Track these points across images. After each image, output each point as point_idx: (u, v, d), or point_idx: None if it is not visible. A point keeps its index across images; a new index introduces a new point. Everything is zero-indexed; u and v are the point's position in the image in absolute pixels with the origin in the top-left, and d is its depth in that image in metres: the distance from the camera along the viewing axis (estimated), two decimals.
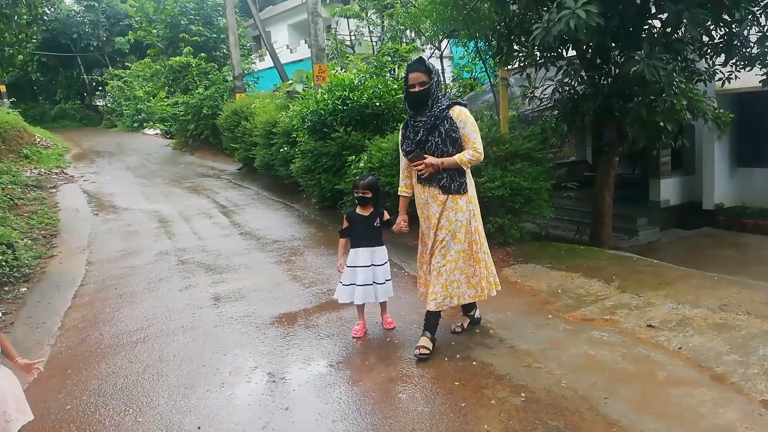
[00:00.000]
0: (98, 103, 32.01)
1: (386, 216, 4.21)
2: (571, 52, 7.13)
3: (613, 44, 6.35)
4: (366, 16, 18.17)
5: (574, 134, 11.47)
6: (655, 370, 3.42)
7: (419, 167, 3.69)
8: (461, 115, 3.70)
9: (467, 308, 4.21)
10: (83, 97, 32.57)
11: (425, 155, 3.68)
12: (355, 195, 4.18)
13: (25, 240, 7.33)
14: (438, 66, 15.17)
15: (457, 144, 3.70)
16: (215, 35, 21.65)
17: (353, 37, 20.15)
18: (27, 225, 8.32)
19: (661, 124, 6.11)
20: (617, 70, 6.48)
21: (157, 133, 22.51)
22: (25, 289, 5.88)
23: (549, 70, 7.13)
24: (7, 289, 5.73)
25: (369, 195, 4.09)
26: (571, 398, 3.17)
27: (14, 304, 5.45)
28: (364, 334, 4.22)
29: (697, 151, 10.25)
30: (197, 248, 7.23)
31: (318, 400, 3.36)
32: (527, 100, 7.44)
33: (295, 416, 3.21)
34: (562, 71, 6.92)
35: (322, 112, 8.13)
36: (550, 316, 4.42)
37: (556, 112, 7.29)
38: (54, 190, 11.59)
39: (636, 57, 5.36)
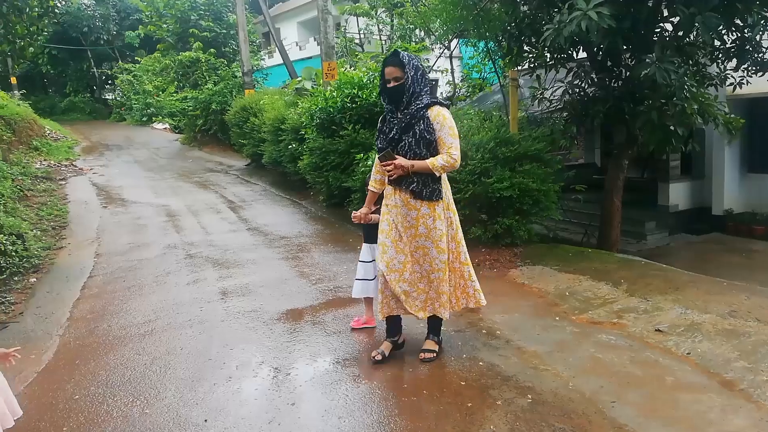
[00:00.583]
0: (108, 97, 32.20)
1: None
2: (582, 54, 7.10)
3: (625, 47, 6.33)
4: (376, 14, 18.16)
5: (583, 136, 11.45)
6: (663, 375, 3.41)
7: (388, 168, 3.45)
8: (439, 116, 3.44)
9: (394, 331, 3.85)
10: (93, 90, 32.74)
11: (396, 156, 3.45)
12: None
13: (34, 231, 7.38)
14: (447, 65, 15.19)
15: (431, 147, 3.44)
16: (225, 31, 21.70)
17: (362, 36, 20.15)
18: (36, 216, 8.38)
19: (672, 128, 6.08)
20: (628, 73, 6.45)
21: (165, 128, 22.60)
22: (35, 279, 5.92)
23: (559, 71, 7.12)
24: (16, 279, 5.77)
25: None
26: (578, 401, 3.16)
27: (24, 294, 5.49)
28: (361, 325, 4.31)
29: (707, 156, 10.19)
30: (205, 243, 7.26)
31: (324, 397, 3.37)
32: (536, 101, 7.42)
33: (301, 411, 3.22)
34: (572, 73, 6.91)
35: (331, 109, 8.15)
36: (557, 318, 4.41)
37: (565, 114, 7.27)
38: (63, 182, 11.66)
39: (647, 60, 5.34)
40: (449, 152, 3.43)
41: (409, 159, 3.43)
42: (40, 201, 9.41)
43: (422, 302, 3.65)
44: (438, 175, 3.48)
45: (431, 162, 3.41)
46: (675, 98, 5.78)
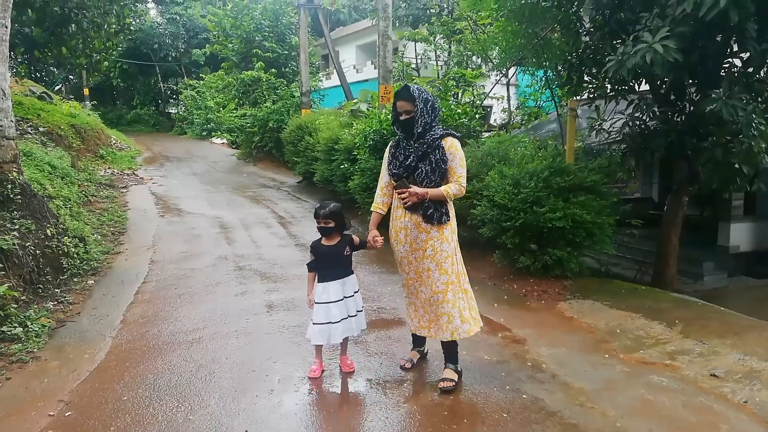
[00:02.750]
0: (171, 111, 33.59)
1: (356, 240, 3.88)
2: (644, 86, 6.96)
3: (690, 81, 6.17)
4: (434, 40, 18.36)
5: (641, 170, 11.15)
6: (717, 423, 3.25)
7: (403, 196, 3.61)
8: (452, 147, 3.64)
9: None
10: (158, 103, 34.23)
11: (410, 184, 3.60)
12: (317, 226, 3.79)
13: (95, 235, 7.71)
14: (503, 93, 15.16)
15: (444, 175, 3.64)
16: (286, 52, 22.36)
17: (419, 60, 20.38)
18: (98, 221, 8.76)
19: (737, 166, 5.86)
20: (692, 108, 6.28)
21: (223, 143, 23.33)
22: (92, 281, 6.17)
23: (619, 103, 6.99)
24: (76, 280, 6.03)
25: (331, 224, 3.74)
26: None
27: (82, 295, 5.72)
28: (321, 375, 3.90)
29: None
30: (254, 256, 7.41)
31: (364, 417, 3.36)
32: (594, 132, 7.30)
33: (340, 430, 3.21)
34: (633, 105, 6.77)
35: (385, 131, 8.24)
36: (606, 355, 4.27)
37: (624, 146, 7.11)
38: (125, 190, 12.16)
39: (713, 95, 5.19)
40: (459, 181, 3.65)
41: (424, 186, 3.62)
42: (102, 207, 9.83)
43: (428, 322, 3.76)
44: (449, 201, 3.68)
45: (445, 190, 3.60)
46: (741, 135, 5.58)
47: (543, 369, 4.01)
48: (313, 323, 3.78)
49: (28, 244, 5.47)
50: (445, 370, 3.80)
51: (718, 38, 5.67)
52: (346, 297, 3.83)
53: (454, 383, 3.70)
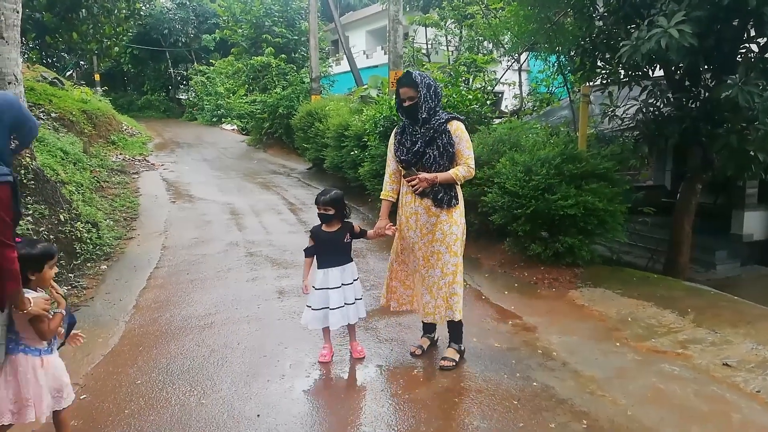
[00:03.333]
0: (181, 97, 33.57)
1: (357, 228, 3.90)
2: (658, 72, 6.86)
3: (705, 66, 6.07)
4: (445, 25, 18.20)
5: (654, 157, 11.03)
6: (729, 412, 3.23)
7: (413, 182, 3.64)
8: (458, 130, 3.68)
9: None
10: (168, 89, 34.23)
11: (418, 171, 3.64)
12: (318, 212, 3.83)
13: (107, 221, 7.76)
14: (515, 78, 15.02)
15: (453, 159, 3.68)
16: (296, 37, 22.25)
17: (430, 46, 20.22)
18: (110, 207, 8.82)
19: (752, 153, 5.77)
20: (707, 94, 6.18)
21: (233, 129, 23.34)
22: (105, 267, 6.23)
23: (632, 89, 6.90)
24: (89, 265, 6.08)
25: (331, 212, 3.77)
26: (636, 431, 3.04)
27: (95, 280, 5.78)
28: (332, 359, 3.93)
29: None
30: (265, 242, 7.44)
31: (374, 403, 3.38)
32: (607, 118, 7.21)
33: (350, 415, 3.24)
34: (647, 91, 6.68)
35: (395, 117, 8.20)
36: (617, 344, 4.26)
37: (637, 133, 7.03)
38: (136, 176, 12.22)
39: (729, 81, 5.09)
40: (467, 163, 3.68)
41: (433, 170, 3.65)
42: (114, 193, 9.90)
43: (434, 307, 3.74)
44: (459, 183, 3.73)
45: (454, 173, 3.64)
46: (757, 122, 5.49)
47: (553, 357, 4.01)
48: (311, 308, 3.81)
49: (42, 229, 5.52)
50: (448, 350, 3.89)
51: (734, 23, 5.56)
52: (345, 284, 3.83)
53: (454, 363, 3.79)
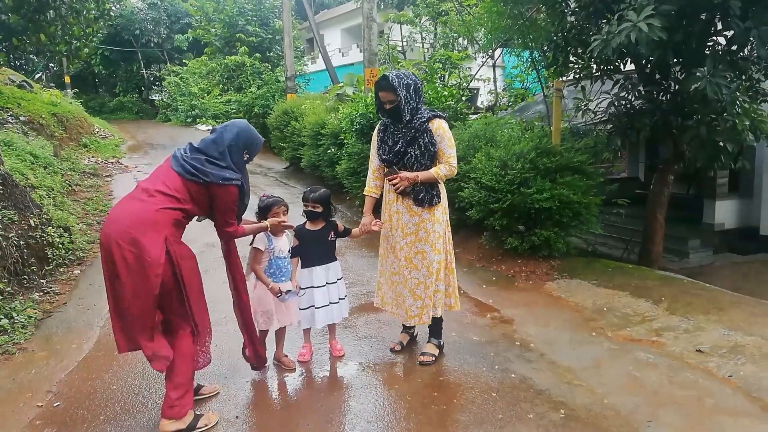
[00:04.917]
0: (155, 98, 33.07)
1: (341, 227, 3.88)
2: (629, 66, 6.96)
3: (675, 60, 6.17)
4: (419, 22, 18.23)
5: (627, 150, 11.20)
6: (702, 397, 3.30)
7: (394, 181, 3.62)
8: (440, 128, 3.64)
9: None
10: (141, 90, 33.70)
11: (399, 170, 3.62)
12: (304, 209, 3.81)
13: (80, 225, 7.62)
14: (489, 74, 15.12)
15: (434, 158, 3.66)
16: (270, 36, 22.11)
17: (405, 43, 20.25)
18: (83, 210, 8.65)
19: (721, 144, 5.90)
20: (677, 86, 6.30)
21: (209, 129, 22.91)
22: (78, 271, 6.11)
23: (605, 83, 6.99)
24: (62, 270, 5.96)
25: (319, 209, 3.76)
26: (612, 418, 3.09)
27: (68, 285, 5.67)
28: (311, 358, 3.94)
29: (757, 174, 9.84)
30: (242, 242, 7.34)
31: (353, 400, 3.37)
32: (581, 112, 7.30)
33: (331, 414, 3.23)
34: (618, 85, 6.78)
35: (371, 115, 8.19)
36: (593, 333, 4.32)
37: (610, 126, 7.13)
38: (109, 179, 12.00)
39: (698, 74, 5.19)
40: (449, 162, 3.66)
41: (414, 170, 3.63)
42: (86, 196, 9.71)
43: (419, 309, 3.72)
44: (440, 182, 3.71)
45: (436, 172, 3.62)
46: (726, 113, 5.61)
47: (531, 348, 4.04)
48: (298, 308, 3.78)
49: (12, 235, 5.39)
50: (427, 345, 3.91)
51: (702, 16, 5.67)
52: (329, 283, 3.82)
53: (434, 357, 3.81)
